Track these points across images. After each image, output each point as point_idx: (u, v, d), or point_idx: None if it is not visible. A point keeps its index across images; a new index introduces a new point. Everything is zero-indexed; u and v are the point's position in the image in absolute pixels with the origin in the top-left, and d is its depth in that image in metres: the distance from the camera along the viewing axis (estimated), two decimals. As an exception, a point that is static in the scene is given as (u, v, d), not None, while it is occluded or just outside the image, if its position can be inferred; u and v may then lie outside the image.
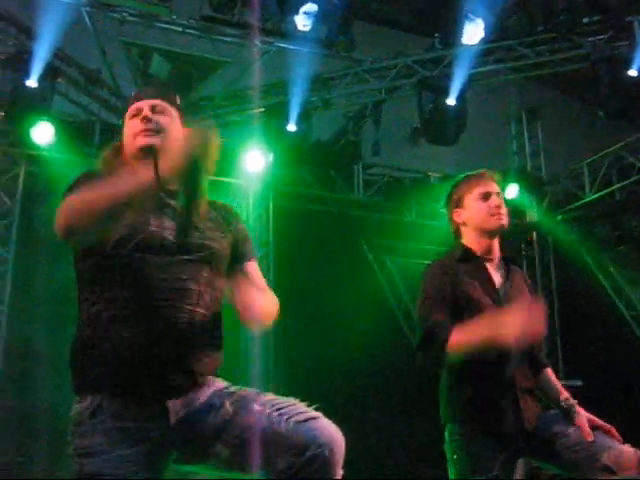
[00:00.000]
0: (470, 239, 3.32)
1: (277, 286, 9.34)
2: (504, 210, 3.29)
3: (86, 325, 2.25)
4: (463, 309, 3.11)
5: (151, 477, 2.18)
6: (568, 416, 3.09)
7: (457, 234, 3.38)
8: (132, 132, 2.41)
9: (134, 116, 2.44)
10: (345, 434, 2.17)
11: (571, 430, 3.03)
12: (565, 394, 3.21)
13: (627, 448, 2.95)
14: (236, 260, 2.46)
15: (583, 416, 3.06)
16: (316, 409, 2.21)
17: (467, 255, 3.26)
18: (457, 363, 3.06)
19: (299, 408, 2.17)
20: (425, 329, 3.07)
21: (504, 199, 3.38)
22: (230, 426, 2.19)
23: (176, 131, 2.41)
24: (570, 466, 3.03)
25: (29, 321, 8.23)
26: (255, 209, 9.71)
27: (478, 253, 3.28)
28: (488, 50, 8.79)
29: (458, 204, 3.34)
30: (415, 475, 8.90)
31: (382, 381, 9.37)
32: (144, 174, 2.08)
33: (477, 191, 3.30)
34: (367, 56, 9.15)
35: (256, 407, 2.19)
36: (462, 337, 2.98)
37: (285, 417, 2.14)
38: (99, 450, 2.14)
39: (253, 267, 2.50)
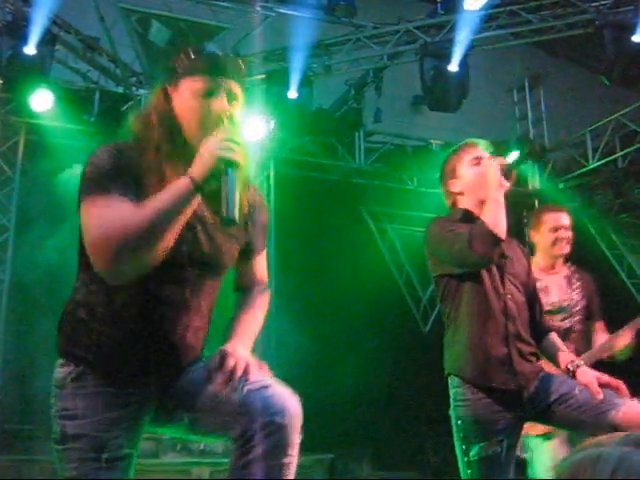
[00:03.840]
0: (467, 207, 3.33)
1: (278, 254, 9.43)
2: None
3: (79, 305, 2.24)
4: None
5: (130, 440, 2.20)
6: (576, 378, 3.09)
7: (453, 203, 3.40)
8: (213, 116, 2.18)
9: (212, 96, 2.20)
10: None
11: (577, 391, 3.03)
12: (571, 356, 3.23)
13: (635, 405, 2.95)
14: (246, 254, 2.43)
15: (590, 374, 3.06)
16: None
17: (467, 216, 3.26)
18: (463, 317, 3.14)
19: (255, 376, 2.16)
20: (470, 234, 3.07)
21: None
22: (194, 393, 2.20)
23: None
24: (578, 426, 3.05)
25: (30, 288, 8.25)
26: (256, 177, 9.68)
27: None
28: (491, 16, 8.70)
29: (452, 175, 3.36)
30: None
31: (385, 349, 9.40)
32: (180, 184, 2.00)
33: (468, 158, 3.30)
34: (368, 22, 9.06)
35: (216, 376, 2.20)
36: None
37: (240, 385, 2.12)
38: (81, 413, 2.15)
39: (261, 259, 2.48)
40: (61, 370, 2.23)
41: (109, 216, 2.00)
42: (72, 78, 8.52)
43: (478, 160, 3.28)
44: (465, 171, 3.32)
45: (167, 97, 2.23)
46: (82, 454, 2.14)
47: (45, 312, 7.34)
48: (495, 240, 3.00)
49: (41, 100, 7.96)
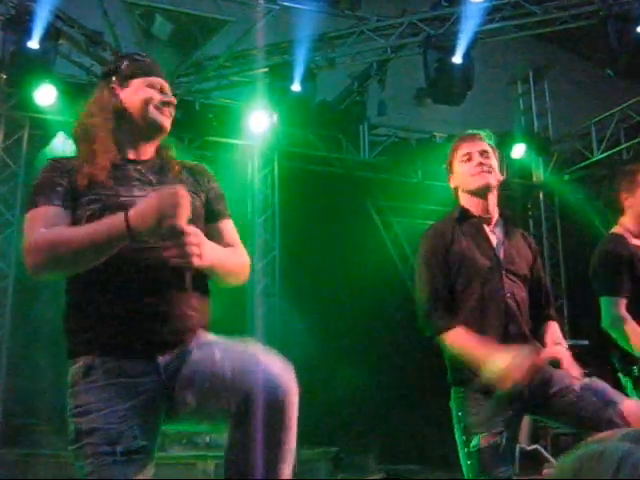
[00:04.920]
0: (465, 202, 3.34)
1: (282, 247, 9.44)
2: (487, 167, 3.27)
3: (74, 291, 2.32)
4: (459, 267, 3.14)
5: (145, 432, 2.21)
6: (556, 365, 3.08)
7: (456, 198, 3.41)
8: (154, 105, 2.47)
9: (154, 88, 2.50)
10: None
11: (576, 386, 3.03)
12: (558, 339, 3.19)
13: (634, 402, 2.96)
14: (209, 219, 2.48)
15: (559, 351, 3.06)
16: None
17: (464, 215, 3.28)
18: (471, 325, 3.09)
19: (249, 352, 2.18)
20: (424, 314, 3.14)
21: (503, 156, 3.38)
22: (196, 375, 2.22)
23: None
24: (575, 421, 3.04)
25: (35, 283, 8.26)
26: (260, 170, 9.69)
27: (475, 214, 3.28)
28: (495, 7, 8.67)
29: (450, 170, 3.39)
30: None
31: (390, 343, 9.41)
32: (117, 225, 2.12)
33: (460, 154, 3.32)
34: (372, 14, 9.03)
35: (216, 354, 2.22)
36: (458, 342, 3.05)
37: (234, 362, 2.14)
38: (94, 407, 2.18)
39: (226, 225, 2.52)
40: (72, 369, 2.27)
41: (42, 229, 2.22)
42: (76, 72, 8.52)
43: (469, 156, 3.29)
44: (457, 167, 3.33)
45: (111, 91, 2.48)
46: (97, 448, 2.15)
47: (50, 306, 7.37)
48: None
49: (45, 95, 7.96)
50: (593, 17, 8.61)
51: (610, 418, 2.88)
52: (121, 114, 2.46)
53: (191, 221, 2.30)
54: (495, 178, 3.30)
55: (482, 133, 3.39)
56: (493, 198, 3.33)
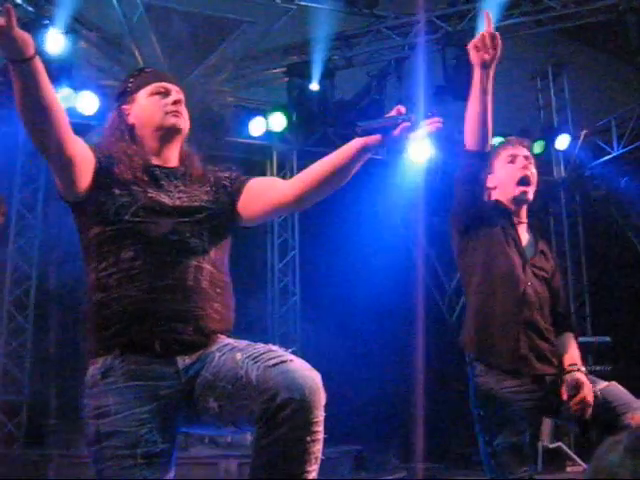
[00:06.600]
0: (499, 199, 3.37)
1: (302, 246, 9.39)
2: (530, 175, 3.32)
3: (95, 290, 2.31)
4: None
5: (165, 435, 2.20)
6: (567, 382, 3.07)
7: (488, 196, 3.42)
8: (162, 109, 2.52)
9: (158, 94, 2.55)
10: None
11: (597, 391, 3.02)
12: (574, 359, 3.18)
13: None
14: (238, 195, 2.52)
15: (579, 382, 3.05)
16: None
17: (498, 206, 3.30)
18: (479, 302, 3.17)
19: (272, 353, 2.15)
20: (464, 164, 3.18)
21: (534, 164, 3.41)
22: (218, 379, 2.21)
23: None
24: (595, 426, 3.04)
25: (56, 287, 8.33)
26: (279, 169, 9.70)
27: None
28: (513, 3, 8.61)
29: (489, 169, 3.38)
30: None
31: (411, 341, 9.38)
32: None
33: (504, 155, 3.36)
34: (389, 12, 9.01)
35: (238, 356, 2.20)
36: None
37: (257, 363, 2.12)
38: (113, 410, 2.17)
39: (255, 179, 2.59)
40: (91, 369, 2.27)
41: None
42: (95, 75, 8.56)
43: (513, 157, 3.31)
44: (500, 168, 3.34)
45: (120, 113, 2.56)
46: (116, 451, 2.14)
47: (72, 309, 7.43)
48: None
49: (87, 104, 7.97)
50: (612, 11, 8.54)
51: (628, 424, 2.87)
52: (133, 132, 2.53)
53: (216, 221, 2.40)
54: (533, 190, 3.33)
55: (526, 140, 3.44)
56: (526, 207, 3.38)
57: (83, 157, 2.33)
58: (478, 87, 3.01)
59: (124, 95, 2.59)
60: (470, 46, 2.96)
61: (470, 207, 3.17)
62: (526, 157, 3.35)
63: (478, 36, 2.94)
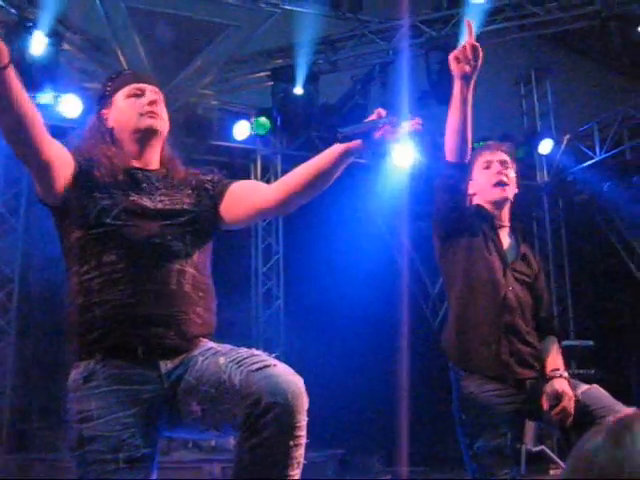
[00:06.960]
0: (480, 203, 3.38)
1: (286, 251, 9.36)
2: (505, 178, 3.34)
3: (77, 294, 2.30)
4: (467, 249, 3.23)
5: (147, 440, 2.20)
6: (547, 392, 3.08)
7: (470, 203, 3.43)
8: (137, 111, 2.49)
9: (134, 95, 2.52)
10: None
11: (577, 394, 3.04)
12: (557, 364, 3.19)
13: (631, 410, 2.95)
14: (221, 199, 2.50)
15: (561, 387, 3.07)
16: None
17: (480, 210, 3.31)
18: (460, 307, 3.18)
19: (255, 357, 2.15)
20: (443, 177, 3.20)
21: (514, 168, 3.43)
22: (201, 383, 2.20)
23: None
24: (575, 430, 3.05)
25: (40, 289, 8.28)
26: (263, 173, 9.69)
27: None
28: (496, 9, 8.65)
29: (469, 176, 3.39)
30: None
31: (395, 345, 9.39)
32: None
33: (480, 161, 3.38)
34: (373, 17, 9.03)
35: (221, 360, 2.20)
36: None
37: (241, 368, 2.12)
38: (96, 414, 2.17)
39: (237, 183, 2.57)
40: (73, 373, 2.26)
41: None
42: (78, 78, 8.52)
43: (488, 163, 3.33)
44: (477, 174, 3.35)
45: (100, 117, 2.55)
46: (99, 456, 2.14)
47: (55, 311, 7.37)
48: None
49: (70, 106, 7.91)
50: (595, 17, 8.59)
51: None
52: (113, 135, 2.51)
53: (199, 224, 2.39)
54: (512, 191, 3.35)
55: (504, 145, 3.45)
56: (507, 209, 3.38)
57: (61, 161, 2.31)
58: (458, 98, 3.02)
59: (103, 99, 2.57)
60: (451, 57, 2.97)
61: (450, 214, 3.19)
62: (502, 162, 3.36)
63: (459, 48, 2.94)
